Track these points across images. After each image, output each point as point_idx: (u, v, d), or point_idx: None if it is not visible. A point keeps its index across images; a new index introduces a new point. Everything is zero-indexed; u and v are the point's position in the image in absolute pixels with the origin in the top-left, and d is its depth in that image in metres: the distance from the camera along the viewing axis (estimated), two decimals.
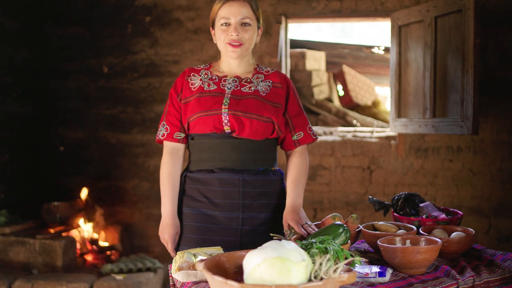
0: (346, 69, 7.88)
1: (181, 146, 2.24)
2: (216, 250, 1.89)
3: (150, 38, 5.18)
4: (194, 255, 1.80)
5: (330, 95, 7.47)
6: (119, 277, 4.15)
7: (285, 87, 2.24)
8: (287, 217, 2.11)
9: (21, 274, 4.25)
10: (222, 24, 2.13)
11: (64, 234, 4.69)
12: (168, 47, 5.14)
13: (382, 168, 4.75)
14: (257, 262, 1.32)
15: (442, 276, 1.79)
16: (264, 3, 4.88)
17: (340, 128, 5.23)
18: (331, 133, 5.10)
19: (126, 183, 5.29)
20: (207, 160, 2.17)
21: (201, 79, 2.21)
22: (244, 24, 2.12)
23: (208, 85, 2.18)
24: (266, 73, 2.25)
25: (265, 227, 2.17)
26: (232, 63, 2.22)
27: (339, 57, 7.89)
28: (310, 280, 1.35)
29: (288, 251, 1.34)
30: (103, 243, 5.04)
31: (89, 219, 5.08)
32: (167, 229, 2.18)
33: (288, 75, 5.17)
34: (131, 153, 5.27)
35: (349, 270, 1.42)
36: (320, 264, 1.39)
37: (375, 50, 6.78)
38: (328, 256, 1.41)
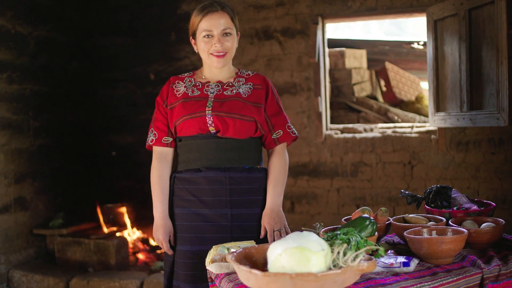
0: (388, 66, 7.82)
1: (169, 150, 2.33)
2: (249, 244, 1.99)
3: None
4: (228, 249, 1.92)
5: (373, 92, 7.43)
6: None
7: (265, 87, 2.33)
8: (264, 220, 2.22)
9: (77, 272, 4.49)
10: (204, 36, 2.23)
11: (116, 234, 4.92)
12: None
13: (423, 163, 4.70)
14: (278, 252, 1.40)
15: (468, 266, 1.80)
16: (301, 4, 4.94)
17: (380, 125, 5.19)
18: (371, 130, 5.10)
19: None
20: (194, 160, 2.26)
21: (185, 86, 2.32)
22: (225, 34, 2.23)
23: (192, 91, 2.29)
24: (247, 77, 2.35)
25: (254, 222, 2.26)
26: (214, 70, 2.32)
27: (380, 54, 7.83)
28: (330, 269, 1.41)
29: (308, 241, 1.41)
30: (154, 242, 5.23)
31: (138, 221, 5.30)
32: (160, 230, 2.26)
33: (327, 74, 5.21)
34: None
35: (369, 259, 1.48)
36: (338, 253, 1.46)
37: (414, 45, 6.70)
38: (345, 245, 1.49)
